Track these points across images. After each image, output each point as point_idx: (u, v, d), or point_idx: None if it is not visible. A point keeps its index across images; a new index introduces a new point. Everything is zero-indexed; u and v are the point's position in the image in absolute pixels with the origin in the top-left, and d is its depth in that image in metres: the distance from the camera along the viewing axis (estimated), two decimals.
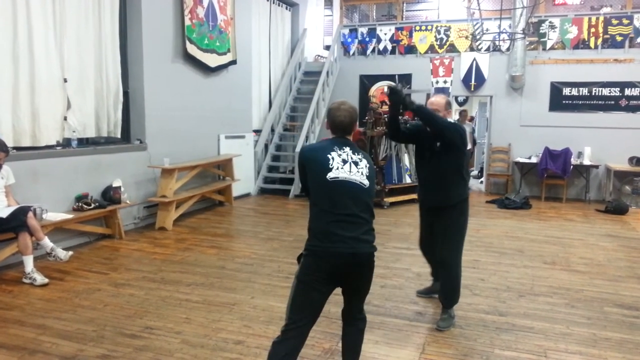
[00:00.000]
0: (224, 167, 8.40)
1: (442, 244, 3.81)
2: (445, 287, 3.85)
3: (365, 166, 2.60)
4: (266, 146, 10.18)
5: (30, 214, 4.55)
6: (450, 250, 3.79)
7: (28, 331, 3.56)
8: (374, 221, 2.63)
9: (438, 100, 3.77)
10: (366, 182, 2.55)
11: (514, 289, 4.61)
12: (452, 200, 3.76)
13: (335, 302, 4.15)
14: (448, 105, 3.79)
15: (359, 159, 2.60)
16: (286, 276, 4.85)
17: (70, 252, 4.83)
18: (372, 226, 2.56)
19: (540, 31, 10.09)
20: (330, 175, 2.51)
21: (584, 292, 4.58)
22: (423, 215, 4.08)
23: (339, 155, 2.57)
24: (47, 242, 4.64)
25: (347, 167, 2.55)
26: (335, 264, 2.47)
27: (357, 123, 2.66)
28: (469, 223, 4.06)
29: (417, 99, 9.77)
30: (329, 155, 2.56)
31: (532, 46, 10.24)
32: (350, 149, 2.61)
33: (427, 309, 4.11)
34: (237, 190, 8.86)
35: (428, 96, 10.17)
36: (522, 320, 3.89)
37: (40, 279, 4.42)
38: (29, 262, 4.45)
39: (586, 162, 9.59)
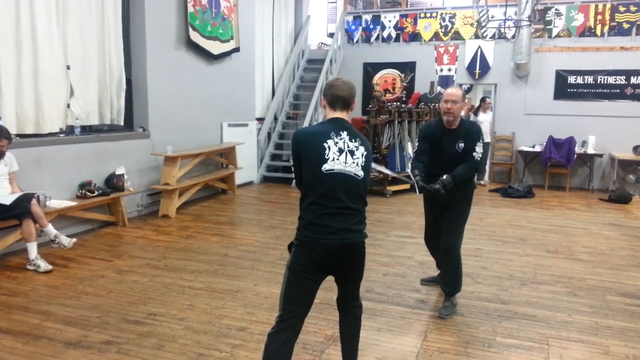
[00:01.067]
0: (227, 155, 8.40)
1: (447, 231, 3.81)
2: (449, 274, 3.85)
3: (362, 155, 2.49)
4: (269, 134, 10.16)
5: (34, 201, 4.57)
6: (457, 238, 3.82)
7: (32, 317, 3.59)
8: (366, 208, 2.58)
9: (455, 92, 3.69)
10: (360, 174, 2.46)
11: (516, 277, 4.62)
12: (466, 192, 3.83)
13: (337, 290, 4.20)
14: (464, 96, 3.78)
15: (356, 146, 2.47)
16: None
17: (74, 239, 4.86)
18: (364, 215, 2.52)
19: (546, 18, 9.99)
20: (325, 167, 2.40)
21: (586, 280, 4.58)
22: (430, 208, 4.05)
23: (336, 144, 2.44)
24: (50, 229, 4.66)
25: (343, 157, 2.43)
26: (327, 255, 2.44)
27: (355, 97, 2.59)
28: (472, 212, 4.09)
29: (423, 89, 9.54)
30: (325, 144, 2.43)
31: (538, 34, 10.16)
32: (347, 134, 2.48)
33: (429, 296, 4.12)
34: (240, 178, 8.86)
35: (432, 84, 10.16)
36: (524, 309, 3.90)
37: (44, 265, 4.44)
38: (32, 249, 4.47)
39: (590, 151, 9.55)
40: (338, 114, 2.54)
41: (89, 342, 3.23)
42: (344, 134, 2.47)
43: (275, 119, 10.44)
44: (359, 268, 2.62)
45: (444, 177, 3.62)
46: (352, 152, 2.44)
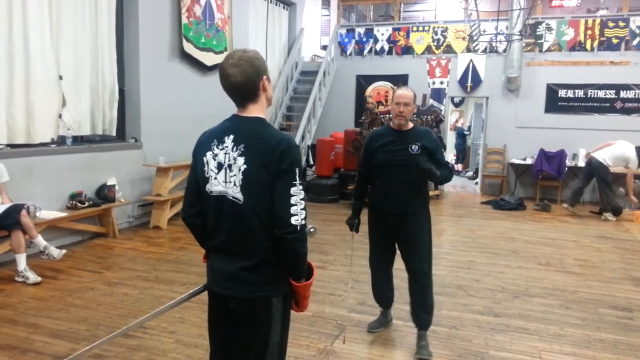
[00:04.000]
0: None
1: (414, 253, 3.39)
2: (424, 303, 3.39)
3: (240, 170, 1.76)
4: None
5: (24, 212, 4.53)
6: (427, 258, 3.41)
7: (20, 330, 3.54)
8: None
9: (407, 93, 3.34)
10: (240, 197, 1.77)
11: (509, 290, 4.62)
12: (424, 204, 3.44)
13: (330, 303, 4.18)
14: (415, 98, 3.43)
15: (235, 157, 1.77)
16: None
17: (64, 251, 4.82)
18: (263, 259, 1.79)
19: (537, 33, 10.11)
20: (207, 187, 1.85)
21: (578, 293, 4.59)
22: (381, 225, 3.48)
23: (215, 157, 1.82)
24: (40, 240, 4.61)
25: (222, 175, 1.80)
26: (217, 308, 1.93)
27: (262, 81, 1.83)
28: (464, 224, 4.04)
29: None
30: (204, 158, 1.85)
31: (529, 48, 10.26)
32: (233, 141, 1.79)
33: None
34: None
35: (424, 97, 10.21)
36: (517, 321, 3.90)
37: (33, 277, 4.39)
38: (21, 261, 4.42)
39: (581, 163, 9.58)
40: (239, 111, 1.88)
41: (77, 356, 3.17)
42: (229, 140, 1.81)
43: None
44: (256, 339, 1.85)
45: (434, 167, 3.29)
46: (229, 167, 1.79)
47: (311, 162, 10.22)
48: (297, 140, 9.49)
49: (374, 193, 3.50)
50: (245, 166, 1.76)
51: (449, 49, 10.79)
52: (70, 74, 5.83)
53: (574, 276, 5.09)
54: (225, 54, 8.39)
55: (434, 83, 10.81)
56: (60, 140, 5.83)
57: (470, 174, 13.34)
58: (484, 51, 10.37)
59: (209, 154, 1.84)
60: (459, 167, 14.02)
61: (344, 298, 4.30)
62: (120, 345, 3.33)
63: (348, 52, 11.53)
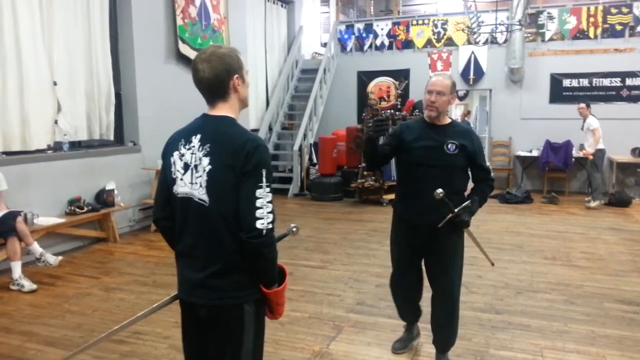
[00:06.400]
0: None
1: (442, 271, 2.97)
2: (447, 326, 3.04)
3: (205, 170, 1.70)
4: None
5: (19, 219, 4.50)
6: (456, 278, 2.99)
7: (14, 338, 3.51)
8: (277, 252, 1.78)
9: (442, 80, 2.85)
10: (206, 198, 1.71)
11: (512, 286, 4.52)
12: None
13: (328, 303, 4.11)
14: (454, 87, 2.91)
15: (201, 157, 1.72)
16: None
17: (60, 257, 4.78)
18: (231, 264, 1.72)
19: (539, 22, 9.95)
20: (174, 188, 1.80)
21: (583, 287, 4.48)
22: (407, 241, 3.03)
23: (182, 157, 1.77)
24: (36, 247, 4.58)
25: (188, 176, 1.75)
26: (188, 317, 1.86)
27: (233, 80, 1.76)
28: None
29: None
30: (172, 158, 1.81)
31: (531, 37, 10.11)
32: (199, 141, 1.73)
33: (422, 308, 4.02)
34: None
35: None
36: (519, 318, 3.81)
37: (28, 285, 4.36)
38: (16, 268, 4.40)
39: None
40: (209, 110, 1.82)
41: None
42: (195, 140, 1.75)
43: (270, 129, 10.38)
44: (228, 347, 1.78)
45: (468, 203, 2.80)
46: (196, 168, 1.73)
47: (314, 160, 10.14)
48: (299, 140, 9.42)
49: (399, 202, 3.06)
50: (210, 167, 1.70)
51: (450, 42, 10.65)
52: (64, 79, 5.80)
53: (580, 270, 4.97)
54: None
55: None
56: (57, 146, 5.80)
57: None
58: (485, 43, 10.23)
59: (175, 154, 1.79)
60: None
61: (343, 298, 4.23)
62: (113, 352, 3.29)
63: (348, 49, 11.44)
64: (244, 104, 1.86)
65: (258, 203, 1.66)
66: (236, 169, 1.66)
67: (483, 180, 2.95)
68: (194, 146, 1.74)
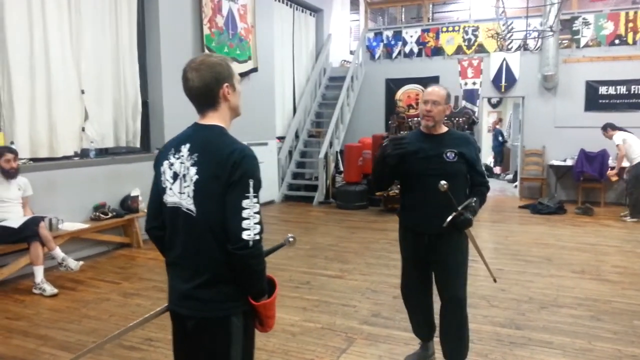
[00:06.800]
0: None
1: (448, 278, 2.94)
2: (456, 336, 3.00)
3: (192, 180, 1.70)
4: (290, 153, 10.11)
5: (42, 224, 4.60)
6: (462, 284, 2.97)
7: (30, 342, 3.57)
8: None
9: (437, 90, 2.90)
10: (193, 208, 1.70)
11: (536, 300, 4.34)
12: None
13: (342, 314, 4.04)
14: (449, 98, 2.96)
15: (188, 167, 1.71)
16: (296, 286, 4.74)
17: (81, 262, 4.86)
18: (219, 276, 1.70)
19: (573, 28, 9.66)
20: (164, 198, 1.79)
21: (612, 303, 4.27)
22: (413, 249, 3.03)
23: (171, 166, 1.76)
24: (58, 252, 4.67)
25: (177, 185, 1.74)
26: (178, 328, 1.84)
27: (222, 89, 1.75)
28: (497, 230, 3.65)
29: None
30: (162, 167, 1.80)
31: (565, 44, 9.82)
32: (188, 150, 1.73)
33: (437, 320, 3.90)
34: (260, 197, 8.76)
35: (457, 98, 9.92)
36: (540, 334, 3.64)
37: (49, 289, 4.45)
38: (39, 273, 4.49)
39: (625, 163, 9.05)
40: (199, 119, 1.81)
41: None
42: (185, 149, 1.74)
43: (297, 137, 10.39)
44: None
45: (471, 201, 2.81)
46: (184, 177, 1.73)
47: (341, 168, 10.09)
48: (324, 147, 9.39)
49: (403, 212, 3.08)
50: (197, 176, 1.69)
51: (481, 49, 10.47)
52: (92, 87, 5.95)
53: (610, 285, 4.74)
54: (250, 62, 8.49)
55: (466, 84, 10.50)
56: (84, 153, 5.93)
57: (509, 177, 12.86)
58: (517, 49, 9.99)
59: (165, 163, 1.79)
60: (497, 169, 13.57)
61: (358, 309, 4.15)
62: (124, 358, 3.31)
63: (376, 56, 11.37)
64: (235, 112, 1.85)
65: (244, 214, 1.63)
66: (222, 179, 1.65)
67: (481, 184, 2.99)
68: (182, 155, 1.74)
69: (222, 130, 1.76)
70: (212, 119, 1.77)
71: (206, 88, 1.73)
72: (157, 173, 1.83)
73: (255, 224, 1.65)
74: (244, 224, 1.63)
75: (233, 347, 1.73)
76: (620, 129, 8.08)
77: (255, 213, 1.65)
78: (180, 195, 1.73)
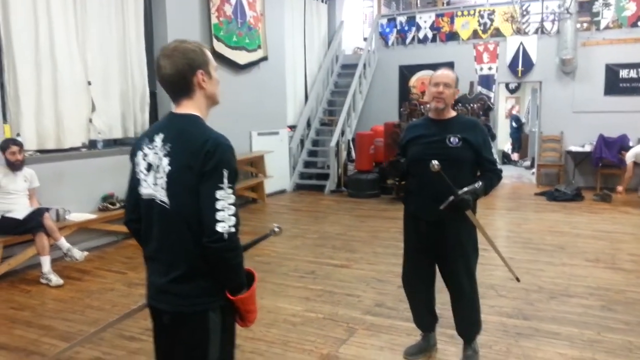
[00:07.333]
0: (256, 164, 8.33)
1: (458, 266, 2.88)
2: (469, 319, 3.00)
3: (165, 171, 1.64)
4: (302, 141, 10.03)
5: (47, 215, 4.63)
6: (471, 277, 2.92)
7: (33, 332, 3.59)
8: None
9: (448, 73, 2.83)
10: (167, 200, 1.64)
11: (546, 290, 4.22)
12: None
13: (345, 304, 3.98)
14: (458, 81, 2.87)
15: (161, 157, 1.65)
16: (301, 275, 4.70)
17: (86, 253, 4.89)
18: (195, 269, 1.65)
19: (593, 10, 9.34)
20: (139, 189, 1.74)
21: (625, 293, 4.13)
22: (415, 236, 2.96)
23: (145, 157, 1.71)
24: (63, 243, 4.70)
25: (151, 176, 1.69)
26: (156, 323, 1.80)
27: (196, 76, 1.67)
28: (511, 218, 3.55)
29: None
30: (136, 158, 1.75)
31: (585, 27, 9.51)
32: (162, 140, 1.67)
33: (442, 311, 3.80)
34: (272, 186, 8.78)
35: (472, 84, 9.72)
36: (548, 325, 3.54)
37: (55, 279, 4.48)
38: (46, 263, 4.52)
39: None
40: (175, 107, 1.74)
41: (77, 359, 3.17)
42: (158, 139, 1.69)
43: (309, 125, 10.31)
44: (193, 356, 1.71)
45: (474, 185, 2.70)
46: (157, 168, 1.67)
47: (353, 156, 9.99)
48: (336, 136, 9.29)
49: (407, 198, 3.04)
50: (169, 167, 1.64)
51: (497, 33, 10.20)
52: (98, 79, 5.95)
53: (624, 273, 4.59)
54: (259, 51, 8.41)
55: (481, 69, 10.26)
56: (91, 145, 5.95)
57: (527, 163, 12.60)
58: (535, 32, 9.73)
59: (139, 154, 1.74)
60: (515, 156, 13.31)
61: (362, 299, 4.08)
62: (122, 348, 3.31)
63: (390, 43, 11.18)
64: (212, 101, 1.78)
65: (219, 205, 1.58)
66: (195, 169, 1.59)
67: (489, 170, 2.87)
68: (156, 146, 1.68)
69: (197, 119, 1.70)
70: (187, 108, 1.71)
71: (179, 75, 1.67)
72: (133, 164, 1.78)
73: (231, 215, 1.59)
74: (218, 215, 1.57)
75: (211, 343, 1.69)
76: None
77: (230, 204, 1.59)
78: (154, 187, 1.68)
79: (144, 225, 1.76)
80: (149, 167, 1.69)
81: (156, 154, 1.68)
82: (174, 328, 1.71)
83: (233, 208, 1.60)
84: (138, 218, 1.80)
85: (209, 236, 1.58)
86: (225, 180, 1.59)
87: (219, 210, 1.57)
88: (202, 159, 1.58)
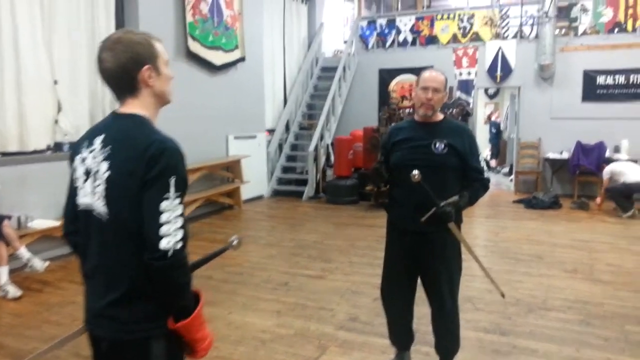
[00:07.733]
0: (232, 169, 8.13)
1: (441, 280, 2.73)
2: (450, 335, 2.88)
3: (103, 178, 1.46)
4: (280, 146, 9.86)
5: (6, 223, 4.38)
6: (455, 294, 2.80)
7: None
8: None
9: (438, 76, 2.67)
10: (104, 210, 1.47)
11: (524, 303, 4.13)
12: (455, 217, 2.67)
13: (318, 318, 3.80)
14: (447, 83, 2.76)
15: (100, 162, 1.47)
16: (274, 287, 4.53)
17: (47, 262, 4.65)
18: (136, 291, 1.47)
19: (571, 16, 9.37)
20: (77, 199, 1.55)
21: (604, 306, 4.05)
22: (398, 247, 2.82)
23: (83, 161, 1.52)
24: (23, 252, 4.46)
25: (89, 184, 1.49)
26: (94, 350, 1.60)
27: (142, 72, 1.50)
28: (488, 226, 3.46)
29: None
30: (74, 163, 1.57)
31: (563, 32, 9.53)
32: (102, 142, 1.49)
33: (418, 326, 3.67)
34: (249, 192, 8.57)
35: (451, 89, 9.65)
36: (526, 341, 3.44)
37: (13, 291, 4.23)
38: (3, 274, 4.27)
39: (623, 156, 8.82)
40: (119, 106, 1.57)
41: None
42: (98, 142, 1.50)
43: (288, 129, 10.14)
44: None
45: (457, 197, 2.57)
46: (95, 174, 1.48)
47: (331, 161, 9.86)
48: (314, 140, 9.13)
49: (390, 206, 2.88)
50: (108, 172, 1.45)
51: (477, 37, 10.17)
52: (65, 77, 5.69)
53: (602, 285, 4.53)
54: (236, 52, 8.22)
55: (460, 74, 10.22)
56: (57, 147, 5.70)
57: (506, 170, 12.62)
58: (514, 37, 9.72)
59: (77, 158, 1.55)
60: (493, 163, 13.33)
61: (335, 313, 3.94)
62: None
63: (370, 46, 11.08)
64: (162, 100, 1.60)
65: (163, 218, 1.39)
66: (138, 175, 1.40)
67: (476, 180, 2.73)
68: (95, 149, 1.49)
69: (142, 120, 1.52)
70: (132, 107, 1.53)
71: (121, 71, 1.48)
72: (72, 169, 1.59)
73: (177, 229, 1.40)
74: (163, 230, 1.38)
75: None
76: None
77: (176, 217, 1.40)
78: (92, 195, 1.49)
79: (81, 239, 1.57)
80: (87, 172, 1.50)
81: (94, 158, 1.49)
82: (112, 357, 1.53)
83: (180, 221, 1.41)
84: (77, 230, 1.60)
85: (151, 252, 1.39)
86: (172, 189, 1.41)
87: (163, 223, 1.39)
88: (146, 164, 1.40)
